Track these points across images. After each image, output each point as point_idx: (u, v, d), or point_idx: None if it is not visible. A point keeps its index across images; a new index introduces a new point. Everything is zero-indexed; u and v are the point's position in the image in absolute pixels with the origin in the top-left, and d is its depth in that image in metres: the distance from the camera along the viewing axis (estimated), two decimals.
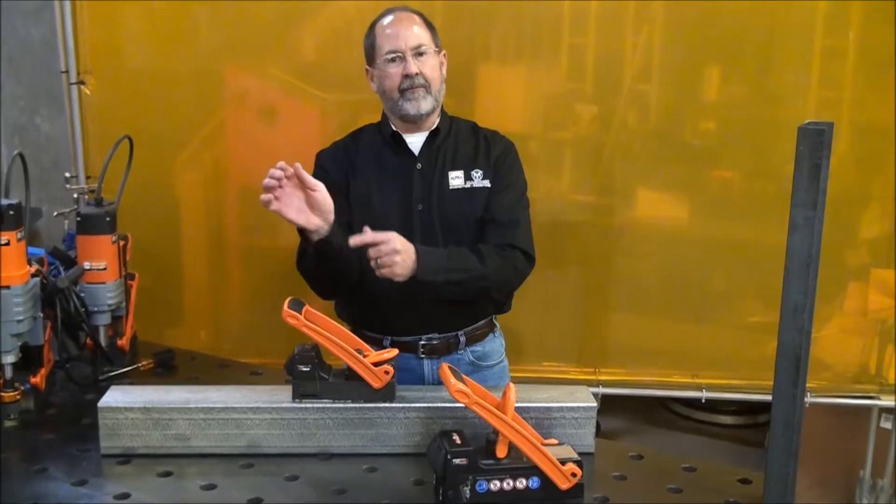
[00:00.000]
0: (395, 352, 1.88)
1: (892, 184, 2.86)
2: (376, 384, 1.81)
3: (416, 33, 2.23)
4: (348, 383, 1.82)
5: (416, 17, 2.27)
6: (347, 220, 2.23)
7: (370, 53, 2.29)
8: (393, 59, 2.21)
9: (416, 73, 2.20)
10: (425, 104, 2.22)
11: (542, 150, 3.01)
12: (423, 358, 2.29)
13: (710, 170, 3.00)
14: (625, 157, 3.00)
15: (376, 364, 1.81)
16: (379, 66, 2.25)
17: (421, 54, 2.21)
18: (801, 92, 2.92)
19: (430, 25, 2.29)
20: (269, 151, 3.02)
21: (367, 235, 1.99)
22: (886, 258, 2.93)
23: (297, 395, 1.82)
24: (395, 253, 1.99)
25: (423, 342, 2.29)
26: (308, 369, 1.80)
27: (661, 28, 2.91)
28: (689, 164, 2.98)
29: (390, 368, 1.81)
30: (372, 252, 2.00)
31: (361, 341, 1.88)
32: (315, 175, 2.25)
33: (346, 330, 1.89)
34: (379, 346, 2.23)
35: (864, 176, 2.95)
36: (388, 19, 2.27)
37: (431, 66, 2.23)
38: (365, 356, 1.82)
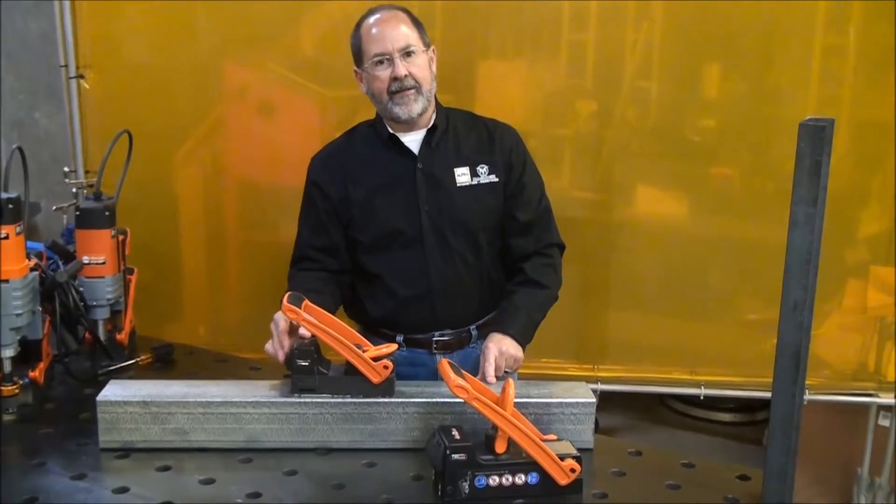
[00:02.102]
0: (395, 347, 1.89)
1: (891, 181, 2.86)
2: (375, 379, 1.81)
3: (403, 33, 2.14)
4: (347, 378, 1.82)
5: (402, 15, 2.18)
6: (344, 234, 2.24)
7: (357, 55, 2.21)
8: (380, 62, 2.14)
9: (406, 75, 2.13)
10: (416, 106, 2.16)
11: (542, 147, 3.00)
12: (435, 353, 2.27)
13: (710, 167, 3.00)
14: (624, 154, 2.99)
15: (375, 359, 1.81)
16: (367, 69, 2.17)
17: (409, 54, 2.13)
18: (801, 89, 2.92)
19: (416, 23, 2.20)
20: (267, 146, 3.03)
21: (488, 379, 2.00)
22: (886, 255, 2.93)
23: (296, 389, 1.81)
24: (504, 356, 2.05)
25: (436, 338, 2.27)
26: (307, 364, 1.80)
27: (661, 25, 2.91)
28: (688, 161, 2.98)
29: (389, 363, 1.81)
30: (498, 374, 2.02)
31: (360, 336, 1.88)
32: (308, 192, 2.28)
33: (345, 325, 1.89)
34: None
35: (863, 173, 2.95)
36: (373, 19, 2.18)
37: (420, 66, 2.15)
38: (364, 351, 1.81)
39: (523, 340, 2.13)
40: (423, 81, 2.16)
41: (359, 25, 2.21)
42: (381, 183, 2.22)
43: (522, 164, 2.28)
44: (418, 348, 2.26)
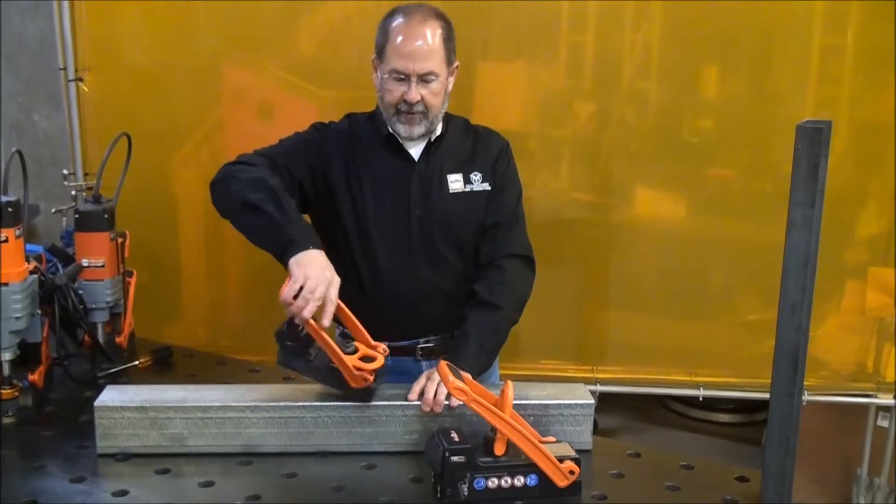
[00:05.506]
0: (381, 362, 1.84)
1: (890, 182, 2.86)
2: (354, 384, 1.80)
3: (429, 55, 2.05)
4: (331, 370, 1.80)
5: (436, 28, 2.07)
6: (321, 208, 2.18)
7: (379, 51, 2.11)
8: (398, 79, 2.07)
9: (418, 101, 2.07)
10: (418, 129, 2.12)
11: (541, 148, 3.01)
12: (421, 360, 2.23)
13: (708, 168, 3.00)
14: (623, 155, 2.99)
15: (364, 361, 1.81)
16: (383, 74, 2.11)
17: (428, 81, 2.07)
18: (799, 90, 2.92)
19: (447, 36, 2.10)
20: None
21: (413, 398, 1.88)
22: (885, 256, 2.93)
23: (281, 363, 1.81)
24: (434, 382, 1.89)
25: (421, 345, 2.24)
26: (294, 346, 1.79)
27: (660, 26, 2.91)
28: (687, 162, 2.98)
29: (370, 377, 1.80)
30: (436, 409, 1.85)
31: (362, 329, 1.87)
32: (308, 136, 2.20)
33: (352, 315, 1.87)
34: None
35: (862, 174, 2.95)
36: (404, 24, 2.07)
37: (435, 92, 2.08)
38: (355, 350, 1.81)
39: (474, 369, 1.96)
40: (433, 108, 2.11)
41: (391, 18, 2.10)
42: (375, 180, 2.17)
43: (504, 170, 2.24)
44: (403, 356, 2.20)
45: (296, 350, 1.79)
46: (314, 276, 1.75)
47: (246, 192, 1.95)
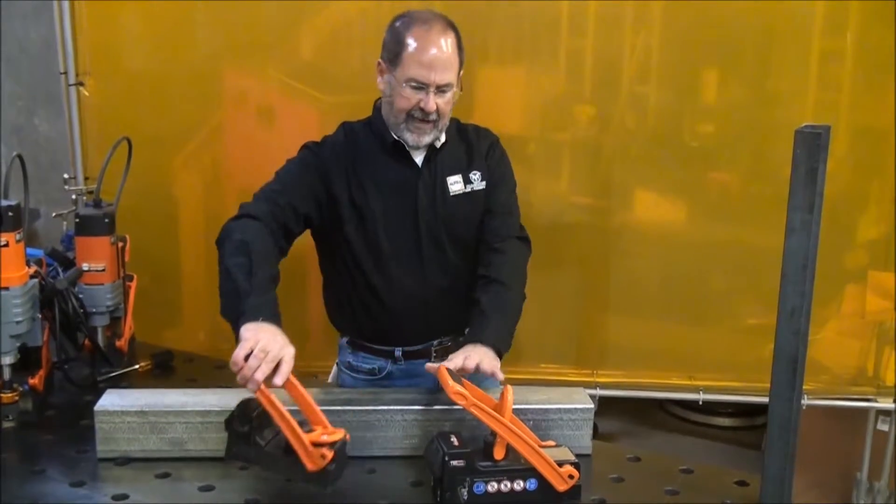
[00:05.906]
0: (341, 435, 1.66)
1: (890, 186, 2.86)
2: (310, 466, 1.62)
3: (449, 67, 2.06)
4: (284, 457, 1.64)
5: (452, 39, 2.08)
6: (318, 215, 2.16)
7: (392, 57, 2.08)
8: (415, 87, 2.06)
9: (434, 110, 2.07)
10: (427, 137, 2.12)
11: (541, 152, 3.01)
12: (435, 361, 2.18)
13: (708, 172, 3.00)
14: (623, 159, 2.99)
15: (319, 443, 1.63)
16: (397, 80, 2.07)
17: (444, 91, 2.08)
18: (799, 94, 2.92)
19: (460, 46, 2.12)
20: (267, 152, 3.02)
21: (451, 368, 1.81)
22: (884, 260, 2.93)
23: (230, 454, 1.69)
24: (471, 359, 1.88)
25: (434, 347, 2.25)
26: (245, 431, 1.66)
27: (660, 30, 2.91)
28: (686, 166, 2.98)
29: (328, 453, 1.61)
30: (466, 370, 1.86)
31: (319, 412, 1.69)
32: (304, 159, 2.18)
33: (307, 395, 1.70)
34: (390, 357, 2.22)
35: (862, 178, 2.95)
36: (425, 34, 2.05)
37: (447, 101, 2.09)
38: (311, 430, 1.65)
39: (500, 345, 1.98)
40: (444, 116, 2.12)
41: (407, 26, 2.08)
42: (379, 187, 2.16)
43: (496, 163, 2.25)
44: (417, 358, 2.22)
45: (246, 436, 1.65)
46: (265, 339, 1.66)
47: (228, 256, 1.90)
